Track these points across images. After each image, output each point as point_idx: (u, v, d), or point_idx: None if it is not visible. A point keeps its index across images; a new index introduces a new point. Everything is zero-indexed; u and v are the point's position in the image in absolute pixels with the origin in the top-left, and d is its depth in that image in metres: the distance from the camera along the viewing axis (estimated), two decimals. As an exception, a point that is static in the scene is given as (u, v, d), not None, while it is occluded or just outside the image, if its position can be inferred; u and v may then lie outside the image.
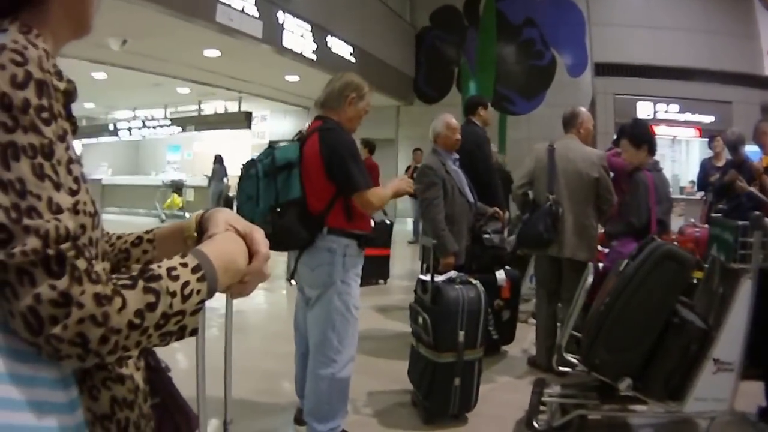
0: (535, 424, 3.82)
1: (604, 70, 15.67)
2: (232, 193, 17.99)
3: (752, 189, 4.85)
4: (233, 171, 18.14)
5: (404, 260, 10.99)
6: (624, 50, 15.49)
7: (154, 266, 0.94)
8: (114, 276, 0.90)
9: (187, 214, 17.70)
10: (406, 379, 4.36)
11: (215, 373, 2.78)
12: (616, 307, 3.45)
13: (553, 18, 16.00)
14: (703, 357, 3.44)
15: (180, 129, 18.61)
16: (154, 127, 19.47)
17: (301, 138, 3.61)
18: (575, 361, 3.67)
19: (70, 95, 0.99)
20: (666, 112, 15.69)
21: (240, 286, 1.08)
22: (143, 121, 19.79)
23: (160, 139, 20.36)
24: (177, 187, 18.94)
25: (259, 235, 1.12)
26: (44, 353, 0.84)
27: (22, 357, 0.85)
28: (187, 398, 1.29)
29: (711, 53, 15.23)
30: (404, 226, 12.36)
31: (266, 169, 3.49)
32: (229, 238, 1.08)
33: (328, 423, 3.47)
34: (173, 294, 0.91)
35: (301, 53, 12.10)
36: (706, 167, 7.98)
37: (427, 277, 4.17)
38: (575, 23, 15.90)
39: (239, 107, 17.66)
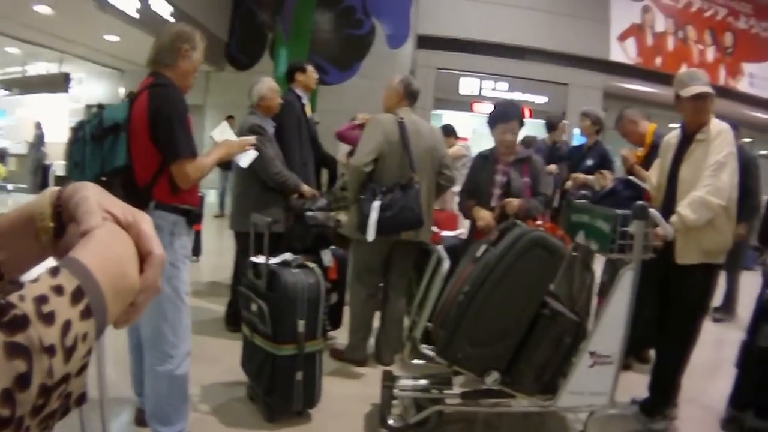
0: (390, 422, 3.57)
1: (427, 43, 15.41)
2: (49, 161, 16.90)
3: (632, 177, 4.74)
4: (51, 138, 17.09)
5: (211, 234, 10.57)
6: (452, 24, 15.32)
7: (12, 297, 0.55)
8: None
9: (9, 186, 16.54)
10: (238, 368, 4.04)
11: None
12: (478, 298, 3.20)
13: (378, -14, 15.62)
14: (576, 350, 3.33)
15: (7, 92, 17.26)
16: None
17: (132, 97, 3.19)
18: (431, 353, 3.46)
19: None
20: (493, 89, 15.68)
21: (128, 311, 0.70)
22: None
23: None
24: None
25: (147, 226, 0.74)
26: None
27: None
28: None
29: (552, 34, 15.44)
30: (208, 198, 11.85)
31: (93, 131, 3.17)
32: (112, 235, 0.70)
33: (173, 426, 3.17)
34: (51, 350, 0.55)
35: (124, 11, 11.53)
36: (543, 149, 7.84)
37: (261, 260, 3.82)
38: (402, -7, 15.58)
39: (60, 69, 16.49)
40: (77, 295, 0.59)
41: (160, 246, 0.74)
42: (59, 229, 0.77)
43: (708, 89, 3.68)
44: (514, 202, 4.43)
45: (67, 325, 0.57)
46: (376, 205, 4.33)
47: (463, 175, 5.27)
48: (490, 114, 4.75)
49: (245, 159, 3.51)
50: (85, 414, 2.60)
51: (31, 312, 0.55)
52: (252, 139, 3.56)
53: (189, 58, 3.16)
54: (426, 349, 3.52)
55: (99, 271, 0.63)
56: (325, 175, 6.14)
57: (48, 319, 0.56)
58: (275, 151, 4.96)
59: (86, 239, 0.68)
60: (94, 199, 0.73)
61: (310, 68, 5.60)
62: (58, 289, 0.58)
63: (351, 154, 6.00)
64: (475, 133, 13.85)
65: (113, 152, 3.15)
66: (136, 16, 11.90)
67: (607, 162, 5.90)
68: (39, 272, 0.60)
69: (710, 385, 4.84)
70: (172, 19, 13.08)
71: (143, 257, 0.72)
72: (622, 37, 16.28)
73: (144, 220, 0.74)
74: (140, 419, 3.46)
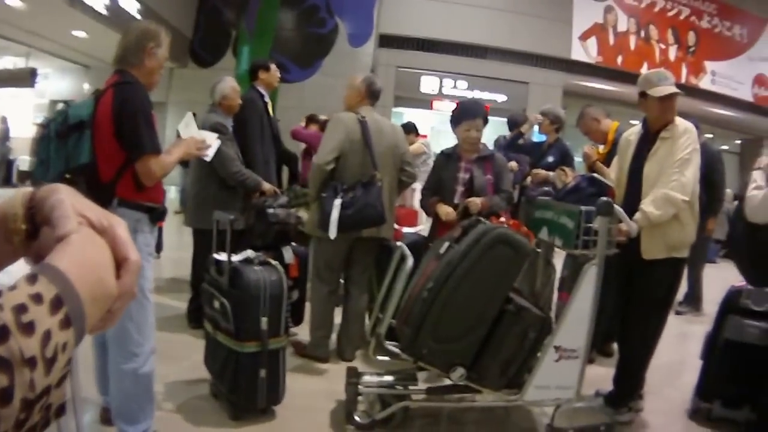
0: (357, 419, 3.56)
1: (389, 41, 15.41)
2: (13, 155, 16.60)
3: (595, 174, 4.73)
4: (16, 132, 16.79)
5: (171, 231, 10.42)
6: (414, 23, 15.34)
7: None
8: None
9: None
10: (201, 366, 3.99)
11: None
12: (442, 294, 3.20)
13: (342, -14, 15.57)
14: (541, 345, 3.33)
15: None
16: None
17: (97, 94, 3.18)
18: (396, 350, 3.45)
19: None
20: (453, 88, 15.71)
21: (105, 317, 0.67)
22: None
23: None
24: (-36, 153, 16.68)
25: (122, 230, 0.71)
26: None
27: None
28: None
29: (513, 33, 15.43)
30: (168, 194, 11.68)
31: (58, 128, 3.12)
32: (89, 241, 0.67)
33: (139, 424, 3.15)
34: (32, 362, 0.52)
35: (92, 7, 11.45)
36: (502, 144, 7.77)
37: (223, 257, 3.78)
38: (365, -7, 15.53)
39: (27, 64, 16.22)
40: (56, 304, 0.56)
41: (136, 251, 0.72)
42: (32, 231, 0.74)
43: (676, 89, 3.71)
44: (477, 202, 4.42)
45: (47, 336, 0.54)
46: (338, 202, 4.33)
47: (423, 172, 5.26)
48: (454, 111, 4.76)
49: (209, 151, 3.50)
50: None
51: (10, 322, 0.52)
52: (212, 136, 3.56)
53: (154, 56, 3.15)
54: (391, 346, 3.49)
55: (77, 278, 0.61)
56: (285, 172, 6.09)
57: (28, 329, 0.53)
58: (235, 150, 4.95)
59: (63, 245, 0.65)
60: (69, 202, 0.70)
61: (273, 67, 5.60)
62: (37, 298, 0.55)
63: (307, 151, 5.98)
64: (433, 131, 13.89)
65: (78, 149, 3.10)
66: (105, 12, 11.84)
67: (568, 159, 5.89)
68: (16, 278, 0.58)
69: (675, 377, 4.91)
70: (139, 16, 13.02)
71: (119, 263, 0.70)
72: (584, 37, 16.28)
73: (119, 225, 0.72)
74: (105, 418, 3.42)
